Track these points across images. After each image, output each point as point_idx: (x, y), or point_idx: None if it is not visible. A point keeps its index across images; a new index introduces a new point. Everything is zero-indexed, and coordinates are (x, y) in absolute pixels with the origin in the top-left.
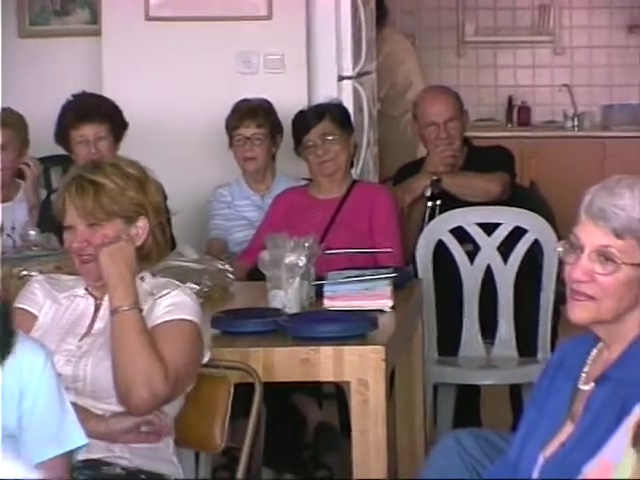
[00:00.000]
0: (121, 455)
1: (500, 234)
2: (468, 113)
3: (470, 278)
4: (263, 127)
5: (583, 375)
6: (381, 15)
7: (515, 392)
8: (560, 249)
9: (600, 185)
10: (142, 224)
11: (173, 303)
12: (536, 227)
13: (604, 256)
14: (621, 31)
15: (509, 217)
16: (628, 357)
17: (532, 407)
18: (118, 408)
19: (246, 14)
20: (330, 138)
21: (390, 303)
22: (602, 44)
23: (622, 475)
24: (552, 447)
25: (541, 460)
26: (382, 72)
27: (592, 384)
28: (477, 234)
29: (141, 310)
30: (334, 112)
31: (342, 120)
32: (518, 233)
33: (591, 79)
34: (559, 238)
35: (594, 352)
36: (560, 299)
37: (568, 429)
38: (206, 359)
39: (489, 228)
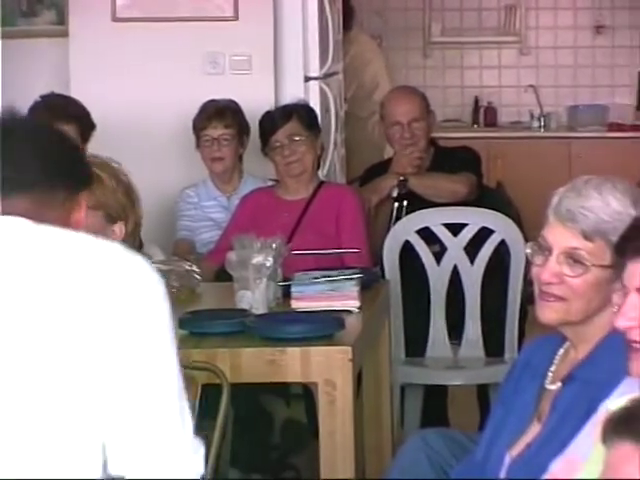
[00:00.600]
0: None
1: (467, 235)
2: (434, 114)
3: (437, 279)
4: (230, 128)
5: (550, 375)
6: (348, 16)
7: (482, 392)
8: (529, 250)
9: (568, 186)
10: (119, 228)
11: None
12: (502, 227)
13: (573, 258)
14: (587, 32)
15: (475, 218)
16: (595, 357)
17: (499, 407)
18: None
19: (212, 15)
20: (297, 139)
21: (357, 304)
22: (568, 45)
23: (590, 473)
24: (519, 447)
25: (508, 460)
26: (349, 73)
27: (559, 384)
28: (444, 235)
29: None
30: (301, 113)
31: (309, 121)
32: (485, 234)
33: (557, 80)
34: (525, 238)
35: (561, 352)
36: (527, 299)
37: (535, 429)
38: None
39: (456, 229)
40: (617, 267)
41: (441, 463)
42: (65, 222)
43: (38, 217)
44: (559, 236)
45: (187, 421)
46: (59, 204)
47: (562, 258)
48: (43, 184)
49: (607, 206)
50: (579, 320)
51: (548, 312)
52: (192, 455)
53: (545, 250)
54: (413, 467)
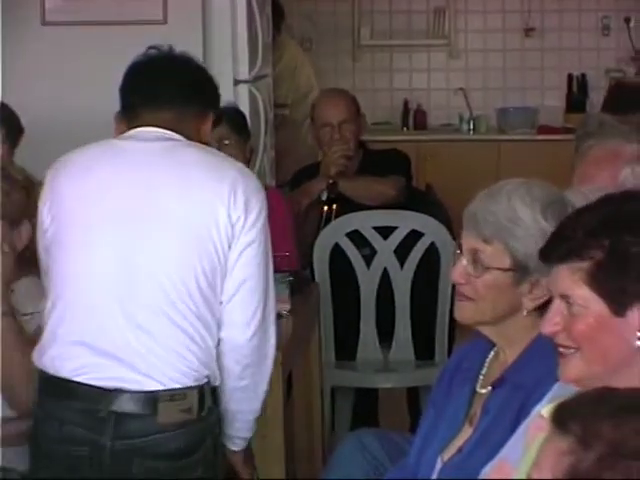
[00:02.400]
0: (18, 460)
1: (396, 237)
2: (365, 117)
3: (367, 282)
4: None
5: (481, 378)
6: (278, 19)
7: (412, 395)
8: (457, 251)
9: (488, 189)
10: (25, 228)
11: None
12: (432, 230)
13: (475, 259)
14: (516, 34)
15: (405, 220)
16: (525, 361)
17: (430, 410)
18: (11, 413)
19: (142, 19)
20: (227, 142)
21: (287, 307)
22: (497, 47)
23: (521, 476)
24: (450, 451)
25: (439, 464)
26: (285, 77)
27: (489, 387)
28: (373, 238)
29: (24, 314)
30: (231, 116)
31: (239, 124)
32: (414, 236)
33: (486, 82)
34: (455, 241)
35: (491, 355)
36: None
37: (466, 433)
38: None
39: (386, 232)
40: (519, 271)
41: (377, 464)
42: (196, 131)
43: (176, 127)
44: (465, 237)
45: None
46: (192, 117)
47: (468, 259)
48: (181, 101)
49: (510, 211)
50: (490, 320)
51: (461, 311)
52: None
53: (459, 250)
54: (349, 467)
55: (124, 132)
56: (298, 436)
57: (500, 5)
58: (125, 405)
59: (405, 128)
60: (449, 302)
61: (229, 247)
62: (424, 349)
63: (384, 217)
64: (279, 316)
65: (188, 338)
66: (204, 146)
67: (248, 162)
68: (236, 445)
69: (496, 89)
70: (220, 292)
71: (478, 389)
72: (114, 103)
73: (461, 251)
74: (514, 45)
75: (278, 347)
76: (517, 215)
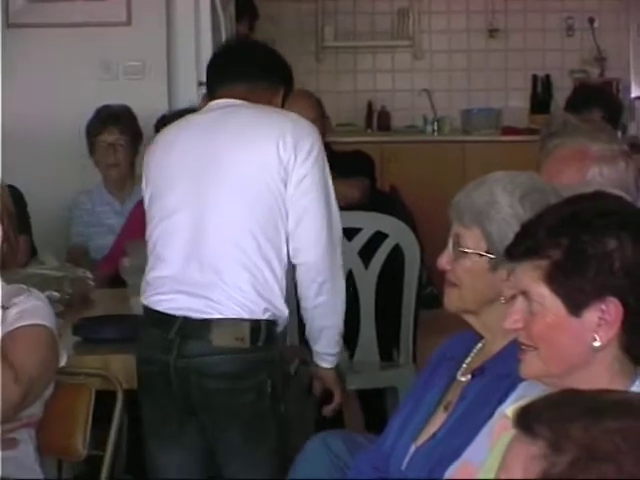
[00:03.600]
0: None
1: (361, 239)
2: (329, 119)
3: None
4: (125, 133)
5: (464, 366)
6: (252, 19)
7: (365, 397)
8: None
9: (479, 178)
10: None
11: (24, 309)
12: (396, 232)
13: (456, 244)
14: (480, 35)
15: (369, 222)
16: (508, 352)
17: (410, 398)
18: None
19: (106, 21)
20: None
21: None
22: (461, 48)
23: (485, 476)
24: (424, 437)
25: (412, 450)
26: None
27: (469, 376)
28: None
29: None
30: None
31: None
32: (379, 238)
33: (451, 83)
34: (420, 242)
35: (479, 346)
36: (421, 303)
37: (440, 418)
38: (63, 363)
39: (350, 233)
40: (494, 256)
41: (341, 465)
42: (267, 103)
43: (247, 98)
44: (452, 225)
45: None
46: (263, 90)
47: (452, 245)
48: (253, 76)
49: (489, 196)
50: (473, 308)
51: (448, 298)
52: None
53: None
54: (314, 468)
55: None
56: None
57: (464, 6)
58: (188, 329)
59: (369, 129)
60: (414, 303)
61: (285, 186)
62: (389, 350)
63: (348, 218)
64: None
65: (251, 275)
66: (260, 106)
67: None
68: (326, 362)
69: (460, 90)
70: (284, 232)
71: (458, 377)
72: (77, 105)
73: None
74: (478, 46)
75: None
76: (495, 200)
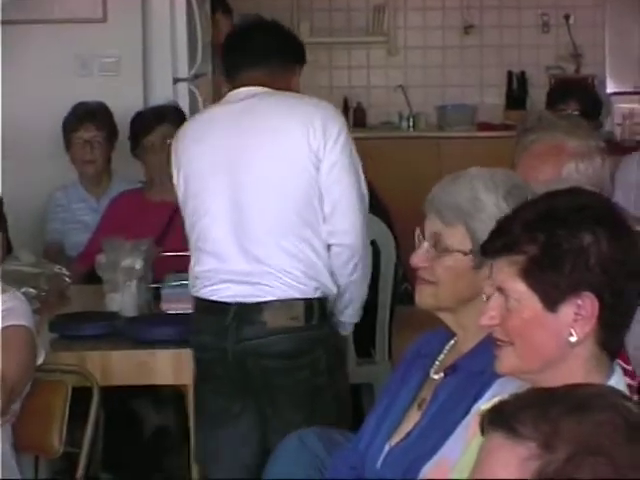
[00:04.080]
0: None
1: None
2: None
3: None
4: (102, 130)
5: (436, 364)
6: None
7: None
8: (418, 237)
9: (451, 175)
10: None
11: (5, 309)
12: (373, 229)
13: (436, 242)
14: (455, 31)
15: None
16: (480, 349)
17: (385, 396)
18: None
19: (82, 17)
20: (169, 141)
21: None
22: (437, 45)
23: (460, 473)
24: (398, 436)
25: (387, 449)
26: None
27: (442, 374)
28: None
29: None
30: (174, 115)
31: (181, 123)
32: None
33: (426, 80)
34: (396, 239)
35: (451, 343)
36: (397, 299)
37: (415, 417)
38: (40, 361)
39: None
40: (479, 254)
41: (318, 462)
42: (287, 84)
43: (269, 83)
44: (428, 222)
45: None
46: (282, 72)
47: (431, 243)
48: (271, 60)
49: (472, 194)
50: (450, 306)
51: (420, 296)
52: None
53: (421, 236)
54: (290, 466)
55: (228, 90)
56: None
57: (439, 2)
58: (243, 314)
59: None
60: (390, 300)
61: (317, 170)
62: (365, 347)
63: None
64: None
65: (293, 258)
66: (287, 93)
67: None
68: (346, 330)
69: (435, 86)
70: (320, 211)
71: (431, 375)
72: (53, 101)
73: (424, 237)
74: (453, 42)
75: None
76: (478, 197)
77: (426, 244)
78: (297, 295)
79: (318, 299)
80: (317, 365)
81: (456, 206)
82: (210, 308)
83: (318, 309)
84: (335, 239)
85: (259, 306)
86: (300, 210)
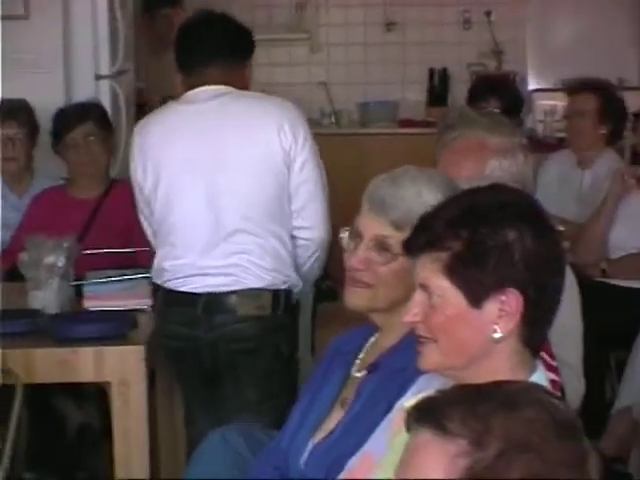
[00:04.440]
0: None
1: None
2: None
3: None
4: (24, 127)
5: (357, 362)
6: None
7: None
8: (342, 236)
9: (386, 174)
10: None
11: None
12: None
13: (381, 246)
14: (377, 28)
15: None
16: (401, 347)
17: (306, 395)
18: None
19: (4, 13)
20: (92, 138)
21: (149, 302)
22: (359, 41)
23: (384, 470)
24: (321, 434)
25: (310, 447)
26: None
27: (364, 372)
28: None
29: None
30: (96, 112)
31: (104, 120)
32: None
33: (348, 76)
34: None
35: (372, 340)
36: (316, 297)
37: (338, 415)
38: None
39: None
40: None
41: (240, 460)
42: (241, 79)
43: (225, 80)
44: (370, 223)
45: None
46: (235, 68)
47: (371, 245)
48: (224, 56)
49: (419, 196)
50: (385, 307)
51: (355, 298)
52: None
53: (357, 237)
54: (212, 464)
55: (184, 87)
56: (161, 431)
57: None
58: (213, 304)
59: None
60: (312, 298)
61: (288, 169)
62: None
63: None
64: (141, 311)
65: (263, 251)
66: (251, 94)
67: (111, 157)
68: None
69: (357, 83)
70: (288, 208)
71: (353, 373)
72: None
73: (359, 237)
74: (375, 39)
75: (142, 342)
76: (425, 201)
77: (365, 246)
78: (265, 286)
79: (285, 290)
80: (278, 350)
81: (406, 209)
82: (180, 299)
83: (284, 300)
84: (303, 234)
85: (229, 295)
86: (271, 206)
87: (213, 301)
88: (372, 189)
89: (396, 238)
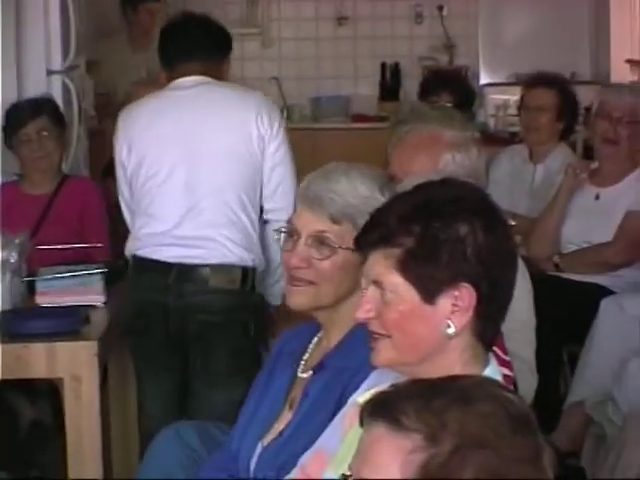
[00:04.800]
0: None
1: None
2: None
3: None
4: None
5: (302, 362)
6: None
7: None
8: (277, 237)
9: (317, 172)
10: None
11: None
12: None
13: (320, 241)
14: (329, 23)
15: None
16: (346, 345)
17: (253, 397)
18: None
19: None
20: (46, 134)
21: (102, 298)
22: (310, 36)
23: (338, 465)
24: (271, 435)
25: (259, 449)
26: None
27: (310, 372)
28: None
29: None
30: (49, 107)
31: (57, 116)
32: None
33: (300, 71)
34: None
35: (315, 340)
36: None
37: (286, 416)
38: None
39: None
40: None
41: (195, 456)
42: (219, 72)
43: (205, 72)
44: (306, 220)
45: None
46: (215, 62)
47: (310, 242)
48: (205, 53)
49: (354, 190)
50: (329, 304)
51: (297, 297)
52: None
53: (294, 235)
54: (166, 460)
55: (166, 79)
56: (114, 427)
57: None
58: (185, 274)
59: None
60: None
61: (262, 154)
62: None
63: None
64: (94, 307)
65: (235, 228)
66: (229, 84)
67: (63, 152)
68: (276, 300)
69: (310, 78)
70: (259, 191)
71: (299, 373)
72: None
73: (296, 235)
74: (327, 34)
75: (94, 338)
76: (361, 194)
77: (303, 243)
78: (235, 261)
79: (252, 268)
80: (247, 328)
81: (343, 203)
82: (152, 267)
83: (251, 277)
84: (275, 216)
85: (200, 267)
86: (245, 187)
87: (185, 271)
88: (306, 186)
89: (334, 232)
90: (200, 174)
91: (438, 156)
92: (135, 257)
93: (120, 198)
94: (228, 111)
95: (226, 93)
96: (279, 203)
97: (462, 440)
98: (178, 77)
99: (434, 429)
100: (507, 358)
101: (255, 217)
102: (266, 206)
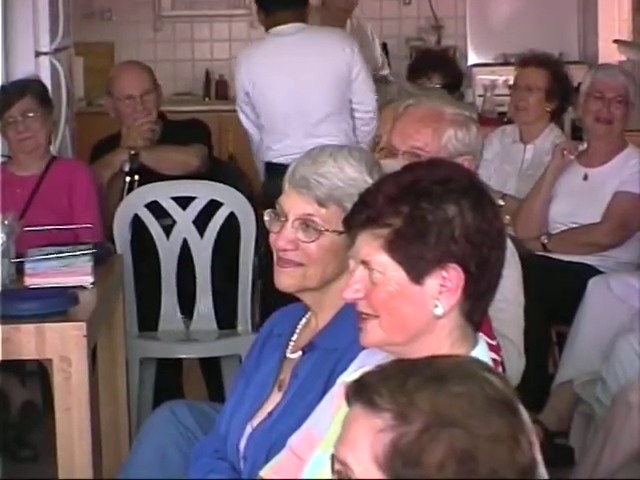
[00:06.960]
0: None
1: (195, 208)
2: (161, 87)
3: (167, 253)
4: None
5: (291, 344)
6: None
7: (210, 366)
8: (267, 218)
9: (305, 154)
10: None
11: None
12: (231, 200)
13: (307, 224)
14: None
15: (204, 191)
16: (334, 326)
17: (241, 378)
18: None
19: None
20: (31, 115)
21: (90, 279)
22: None
23: (327, 444)
24: (260, 416)
25: (249, 430)
26: None
27: (299, 353)
28: (172, 208)
29: None
30: (35, 89)
31: (43, 97)
32: (215, 207)
33: None
34: (256, 211)
35: (303, 321)
36: (258, 273)
37: (275, 398)
38: None
39: (186, 202)
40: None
41: (189, 434)
42: (306, 17)
43: (296, 20)
44: (293, 203)
45: None
46: (303, 13)
47: (297, 224)
48: (297, 5)
49: (341, 172)
50: (316, 286)
51: (285, 278)
52: None
53: (281, 217)
54: (160, 438)
55: (266, 24)
56: (103, 408)
57: None
58: None
59: (207, 98)
60: (250, 272)
61: (349, 74)
62: (228, 319)
63: (182, 187)
64: (82, 288)
65: (344, 134)
66: (322, 27)
67: (50, 134)
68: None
69: None
70: (348, 100)
71: (288, 354)
72: None
73: (283, 217)
74: None
75: (83, 319)
76: (348, 176)
77: (290, 225)
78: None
79: None
80: None
81: (330, 186)
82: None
83: None
84: (361, 114)
85: None
86: (342, 99)
87: None
88: (294, 169)
89: (321, 215)
90: (310, 97)
91: (442, 131)
92: (269, 164)
93: (241, 115)
94: (323, 48)
95: (319, 35)
96: (364, 107)
97: (432, 419)
98: (276, 23)
99: (404, 408)
100: (494, 342)
101: (350, 121)
102: (356, 108)
